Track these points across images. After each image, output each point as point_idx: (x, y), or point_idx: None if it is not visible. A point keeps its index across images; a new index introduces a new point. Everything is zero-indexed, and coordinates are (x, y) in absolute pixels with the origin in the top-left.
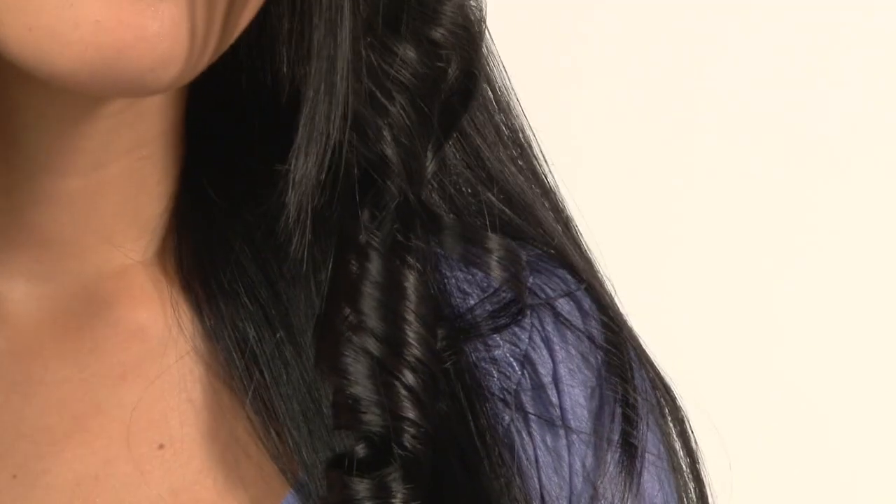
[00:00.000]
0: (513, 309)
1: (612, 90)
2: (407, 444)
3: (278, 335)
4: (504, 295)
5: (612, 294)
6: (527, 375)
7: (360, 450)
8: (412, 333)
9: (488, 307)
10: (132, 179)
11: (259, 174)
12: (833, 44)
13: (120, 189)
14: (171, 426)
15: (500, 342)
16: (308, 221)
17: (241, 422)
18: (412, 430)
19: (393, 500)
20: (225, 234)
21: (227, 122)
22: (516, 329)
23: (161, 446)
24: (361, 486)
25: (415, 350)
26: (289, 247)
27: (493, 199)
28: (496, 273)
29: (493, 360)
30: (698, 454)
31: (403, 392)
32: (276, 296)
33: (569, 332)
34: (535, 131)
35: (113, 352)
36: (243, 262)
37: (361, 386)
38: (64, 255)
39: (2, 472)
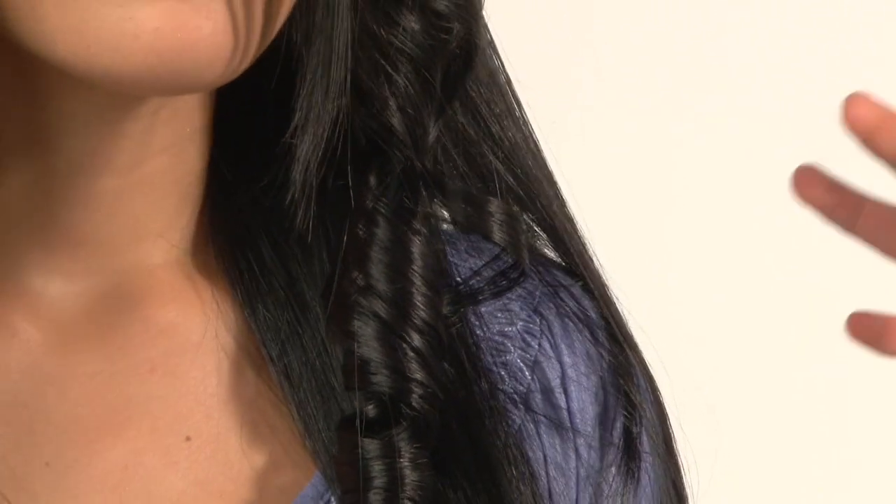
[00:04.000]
0: (513, 273)
1: (610, 86)
2: (415, 404)
3: (301, 325)
4: (504, 259)
5: (607, 280)
6: (537, 380)
7: (370, 410)
8: (419, 296)
9: (487, 272)
10: (166, 178)
11: (274, 155)
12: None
13: (154, 188)
14: (198, 419)
15: (511, 348)
16: (313, 195)
17: (268, 409)
18: (419, 391)
19: (401, 459)
20: (250, 226)
21: (248, 115)
22: (526, 335)
23: (188, 438)
24: (371, 446)
25: (421, 312)
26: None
27: (497, 163)
28: (497, 236)
29: (505, 365)
30: (677, 448)
31: (411, 354)
32: (292, 281)
33: (576, 339)
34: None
35: (142, 347)
36: (263, 252)
37: (370, 348)
38: (98, 253)
39: (35, 461)
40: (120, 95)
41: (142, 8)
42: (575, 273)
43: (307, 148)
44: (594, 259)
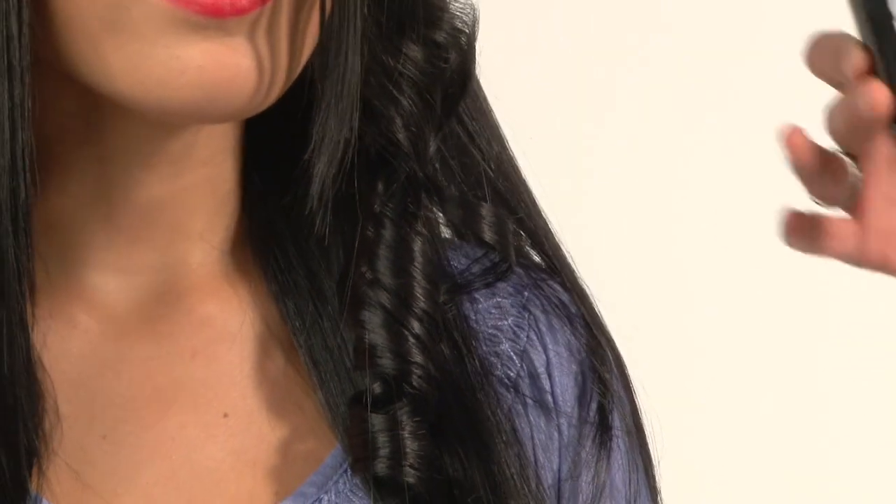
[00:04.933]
0: (501, 268)
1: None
2: (415, 383)
3: (321, 315)
4: (491, 258)
5: (579, 276)
6: (525, 367)
7: (377, 388)
8: (419, 289)
9: (478, 269)
10: (206, 186)
11: (296, 167)
12: None
13: (197, 195)
14: (234, 398)
15: (503, 339)
16: (329, 205)
17: (295, 389)
18: (419, 372)
19: (403, 431)
20: (277, 230)
21: (274, 129)
22: (516, 329)
23: (225, 415)
24: (377, 420)
25: (421, 303)
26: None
27: (487, 173)
28: (488, 236)
29: (497, 355)
30: (644, 423)
31: (412, 340)
32: (312, 277)
33: (558, 331)
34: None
35: (186, 335)
36: (289, 252)
37: (377, 334)
38: (149, 252)
39: (94, 434)
40: (164, 122)
41: (186, 49)
42: (554, 270)
43: (323, 166)
44: (568, 257)
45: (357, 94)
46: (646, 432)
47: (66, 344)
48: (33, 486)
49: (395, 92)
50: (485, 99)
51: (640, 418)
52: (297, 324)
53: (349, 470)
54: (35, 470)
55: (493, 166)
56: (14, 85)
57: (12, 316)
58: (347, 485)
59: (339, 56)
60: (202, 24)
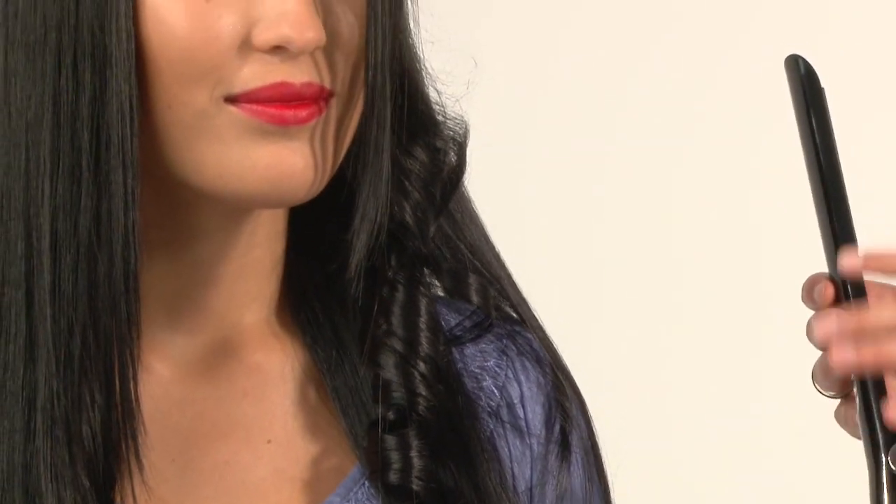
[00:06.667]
0: (485, 324)
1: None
2: (421, 412)
3: (343, 359)
4: (478, 315)
5: (545, 329)
6: (504, 399)
7: (390, 416)
8: (424, 338)
9: (468, 323)
10: (262, 263)
11: (326, 244)
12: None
13: (254, 271)
14: (276, 428)
15: (487, 377)
16: (362, 273)
17: (323, 419)
18: (424, 403)
19: (410, 451)
20: (307, 294)
21: (310, 215)
22: (496, 369)
23: (269, 441)
24: (390, 441)
25: (426, 349)
26: (347, 289)
27: (471, 249)
28: (474, 299)
29: (482, 389)
30: (599, 444)
31: (419, 377)
32: (336, 330)
33: (530, 370)
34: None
35: (239, 380)
36: (317, 311)
37: (391, 373)
38: (211, 316)
39: (165, 458)
40: (237, 207)
41: (257, 150)
42: (525, 324)
43: (362, 242)
44: (536, 315)
45: (389, 184)
46: (599, 448)
47: (145, 386)
48: (118, 497)
49: (406, 185)
50: (468, 196)
51: (595, 437)
52: (325, 368)
53: (367, 482)
54: (120, 484)
55: (473, 246)
56: (128, 174)
57: (126, 355)
58: (365, 494)
59: (376, 155)
60: (270, 130)
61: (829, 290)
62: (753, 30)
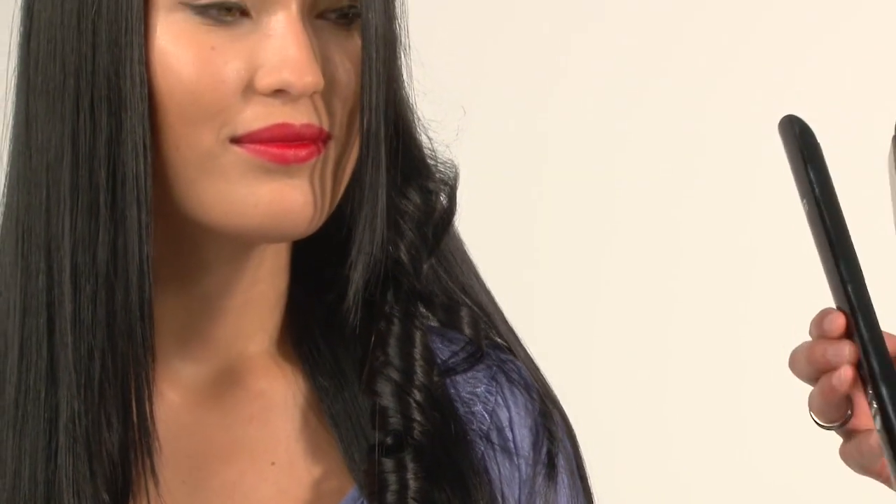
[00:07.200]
0: (476, 356)
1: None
2: (416, 437)
3: (342, 388)
4: (470, 347)
5: (534, 360)
6: (493, 423)
7: (388, 440)
8: (419, 367)
9: (461, 355)
10: (265, 297)
11: (325, 278)
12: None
13: (260, 303)
14: (280, 451)
15: (477, 402)
16: (360, 304)
17: (323, 443)
18: (419, 428)
19: (406, 473)
20: (309, 326)
21: (311, 253)
22: (487, 394)
23: (273, 463)
24: (388, 464)
25: (421, 378)
26: (345, 321)
27: (461, 285)
28: (466, 331)
29: (473, 413)
30: (585, 466)
31: (414, 405)
32: (336, 359)
33: (518, 396)
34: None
35: (245, 406)
36: (318, 342)
37: (388, 400)
38: (218, 347)
39: (176, 478)
40: (242, 243)
41: (260, 188)
42: (513, 353)
43: (360, 276)
44: (523, 344)
45: (384, 219)
46: (585, 470)
47: (157, 412)
48: None
49: (401, 224)
50: (459, 237)
51: (581, 459)
52: (326, 395)
53: (365, 503)
54: (136, 499)
55: (463, 283)
56: (142, 210)
57: (142, 378)
58: None
59: (371, 192)
60: (272, 169)
61: (840, 321)
62: (753, 41)
